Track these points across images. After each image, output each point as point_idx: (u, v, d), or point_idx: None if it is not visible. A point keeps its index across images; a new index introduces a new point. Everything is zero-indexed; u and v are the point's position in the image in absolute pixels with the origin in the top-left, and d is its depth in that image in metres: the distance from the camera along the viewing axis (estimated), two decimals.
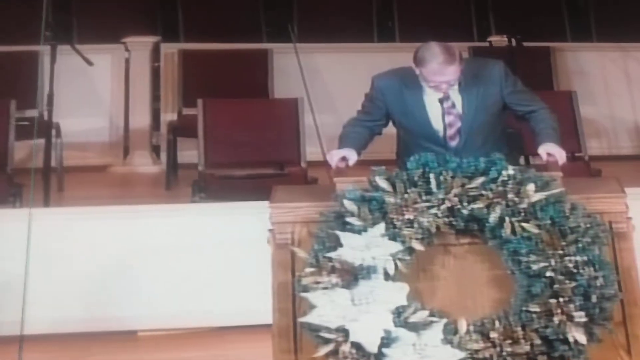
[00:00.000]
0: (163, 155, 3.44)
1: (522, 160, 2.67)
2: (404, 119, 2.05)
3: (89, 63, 3.12)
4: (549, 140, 1.99)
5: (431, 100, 2.02)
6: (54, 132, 3.13)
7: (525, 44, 3.35)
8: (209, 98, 3.05)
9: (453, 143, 2.03)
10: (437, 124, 2.03)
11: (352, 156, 1.98)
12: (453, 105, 2.02)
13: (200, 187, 2.84)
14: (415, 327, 1.68)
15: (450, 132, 2.03)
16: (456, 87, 2.01)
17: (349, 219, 1.73)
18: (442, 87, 1.99)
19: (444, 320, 1.70)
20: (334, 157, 1.97)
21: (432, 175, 1.75)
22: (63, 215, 2.58)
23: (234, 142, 2.95)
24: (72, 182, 3.18)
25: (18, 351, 2.02)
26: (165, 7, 4.00)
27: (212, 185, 2.83)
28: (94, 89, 3.48)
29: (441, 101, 2.02)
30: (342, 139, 2.04)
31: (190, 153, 3.14)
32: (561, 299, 1.69)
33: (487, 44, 3.62)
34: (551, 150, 1.97)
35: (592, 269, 1.71)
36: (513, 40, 3.34)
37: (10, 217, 2.52)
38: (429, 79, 1.98)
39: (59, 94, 3.11)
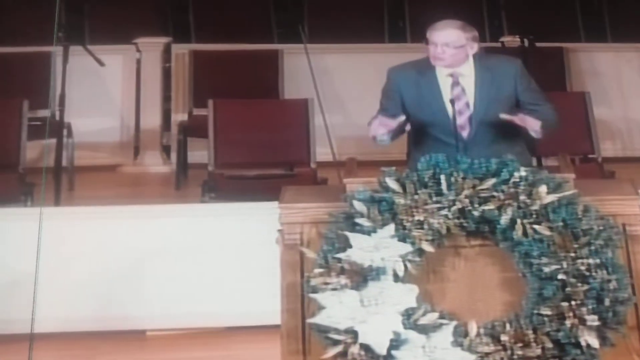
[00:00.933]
0: (173, 156, 3.44)
1: (534, 161, 2.64)
2: (419, 109, 2.02)
3: (101, 64, 3.15)
4: (530, 115, 1.93)
5: (445, 86, 1.99)
6: (65, 132, 3.15)
7: (538, 44, 3.32)
8: (219, 99, 3.05)
9: (464, 133, 1.99)
10: (450, 111, 1.99)
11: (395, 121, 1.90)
12: (463, 91, 1.99)
13: (210, 187, 2.84)
14: (425, 329, 1.67)
15: (460, 120, 1.99)
16: (469, 75, 1.98)
17: (358, 220, 1.72)
18: (439, 53, 1.93)
19: (454, 323, 1.69)
20: (376, 125, 1.89)
21: (442, 176, 1.74)
22: (73, 215, 2.59)
23: (244, 142, 2.94)
24: (82, 182, 3.20)
25: (28, 349, 2.03)
26: (176, 8, 4.01)
27: (222, 186, 2.84)
28: (106, 89, 3.50)
29: (451, 87, 1.98)
30: (370, 124, 1.97)
31: (200, 153, 3.14)
32: (573, 302, 1.67)
33: (499, 45, 3.58)
34: (520, 115, 1.91)
35: (605, 272, 1.68)
36: (525, 40, 3.31)
37: (22, 215, 2.54)
38: (431, 39, 1.94)
39: (71, 94, 3.14)
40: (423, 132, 2.03)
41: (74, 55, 3.13)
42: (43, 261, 2.12)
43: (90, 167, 3.33)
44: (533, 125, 1.92)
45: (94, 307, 2.45)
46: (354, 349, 1.65)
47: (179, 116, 3.53)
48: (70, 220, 2.53)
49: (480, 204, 1.72)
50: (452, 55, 1.96)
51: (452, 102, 1.99)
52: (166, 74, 3.60)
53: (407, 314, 1.67)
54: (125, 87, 3.53)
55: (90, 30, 3.82)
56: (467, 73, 2.00)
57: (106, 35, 3.61)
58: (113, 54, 3.43)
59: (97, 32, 3.74)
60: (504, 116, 1.93)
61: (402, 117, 1.93)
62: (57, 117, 3.11)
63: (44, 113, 3.22)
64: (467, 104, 2.00)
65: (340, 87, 3.54)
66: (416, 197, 1.72)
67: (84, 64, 3.19)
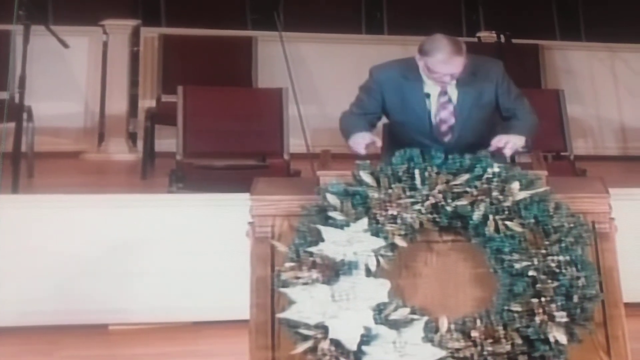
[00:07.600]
0: (140, 143, 3.34)
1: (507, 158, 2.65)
2: (401, 112, 2.01)
3: (65, 45, 3.00)
4: (510, 132, 1.95)
5: (430, 94, 1.98)
6: (25, 115, 3.00)
7: (514, 40, 3.34)
8: (189, 85, 2.97)
9: (445, 139, 2.00)
10: (433, 118, 1.99)
11: (377, 139, 1.92)
12: (449, 100, 1.99)
13: (177, 177, 2.76)
14: (396, 325, 1.66)
15: (443, 128, 1.99)
16: (454, 83, 1.98)
17: (331, 213, 1.69)
18: (445, 80, 1.94)
19: (425, 318, 1.68)
20: (360, 142, 1.89)
21: (416, 171, 1.73)
22: (32, 203, 2.47)
23: (214, 131, 2.87)
24: (43, 169, 3.06)
25: None
26: None
27: (191, 176, 2.76)
28: (69, 72, 3.36)
29: (438, 96, 1.98)
30: (350, 128, 1.95)
31: (168, 141, 3.05)
32: (543, 299, 1.68)
33: (475, 40, 3.60)
34: (504, 139, 1.92)
35: (574, 269, 1.71)
36: (502, 36, 3.33)
37: None
38: (435, 69, 1.93)
39: (32, 76, 2.99)
40: (403, 133, 2.01)
41: (36, 35, 2.98)
42: None
43: (52, 153, 3.19)
44: (519, 144, 1.92)
45: (54, 300, 2.35)
46: (324, 345, 1.63)
47: (146, 102, 3.42)
48: (29, 209, 2.42)
49: (453, 200, 1.72)
50: (455, 77, 1.95)
51: (438, 96, 1.97)
52: (134, 58, 3.48)
53: (379, 309, 1.66)
54: (91, 71, 3.40)
55: (54, 10, 3.67)
56: (454, 81, 1.98)
57: (71, 16, 3.46)
58: (78, 36, 3.29)
59: (62, 12, 3.59)
60: (491, 149, 1.90)
61: (379, 142, 1.90)
62: (17, 100, 2.95)
63: (2, 95, 3.07)
64: (452, 113, 1.99)
65: (316, 78, 3.49)
66: (390, 191, 1.71)
67: (47, 45, 3.04)
